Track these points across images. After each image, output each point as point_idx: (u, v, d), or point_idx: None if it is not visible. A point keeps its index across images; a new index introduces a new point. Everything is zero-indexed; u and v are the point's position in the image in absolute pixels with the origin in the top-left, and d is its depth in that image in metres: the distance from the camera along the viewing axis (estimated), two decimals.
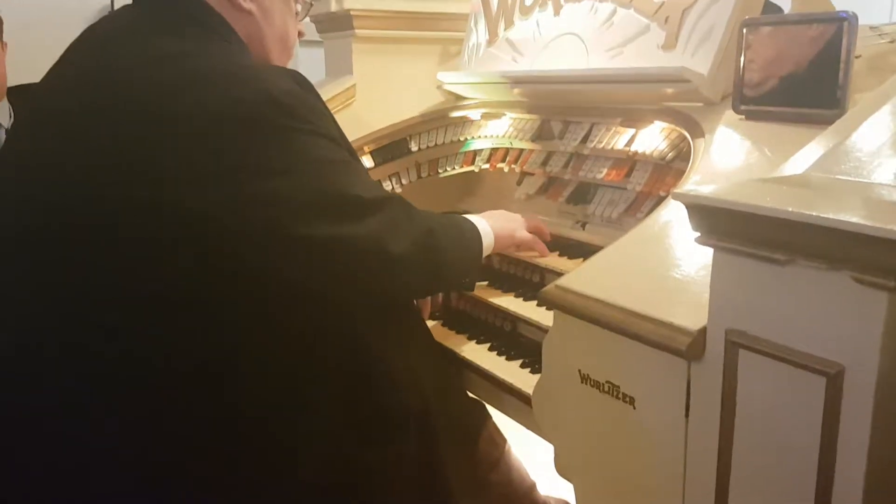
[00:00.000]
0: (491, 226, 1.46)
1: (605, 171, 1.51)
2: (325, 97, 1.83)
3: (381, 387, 1.28)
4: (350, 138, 1.78)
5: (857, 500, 0.72)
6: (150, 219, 1.07)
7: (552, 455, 1.12)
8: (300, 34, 1.45)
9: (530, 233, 1.54)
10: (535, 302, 1.47)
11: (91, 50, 1.24)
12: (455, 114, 1.86)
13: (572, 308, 1.01)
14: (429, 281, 1.38)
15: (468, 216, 1.47)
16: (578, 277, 1.04)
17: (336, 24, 1.91)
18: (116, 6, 2.87)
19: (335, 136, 1.23)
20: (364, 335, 1.26)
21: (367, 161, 1.85)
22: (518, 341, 1.46)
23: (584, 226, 1.62)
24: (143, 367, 1.10)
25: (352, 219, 1.16)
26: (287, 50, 1.42)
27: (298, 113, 1.13)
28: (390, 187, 1.89)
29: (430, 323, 1.60)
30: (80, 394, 1.10)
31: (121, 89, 1.12)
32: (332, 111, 1.86)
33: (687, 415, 0.88)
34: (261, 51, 1.35)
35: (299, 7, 1.41)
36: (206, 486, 1.14)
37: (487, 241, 1.45)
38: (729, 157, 1.18)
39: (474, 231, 1.44)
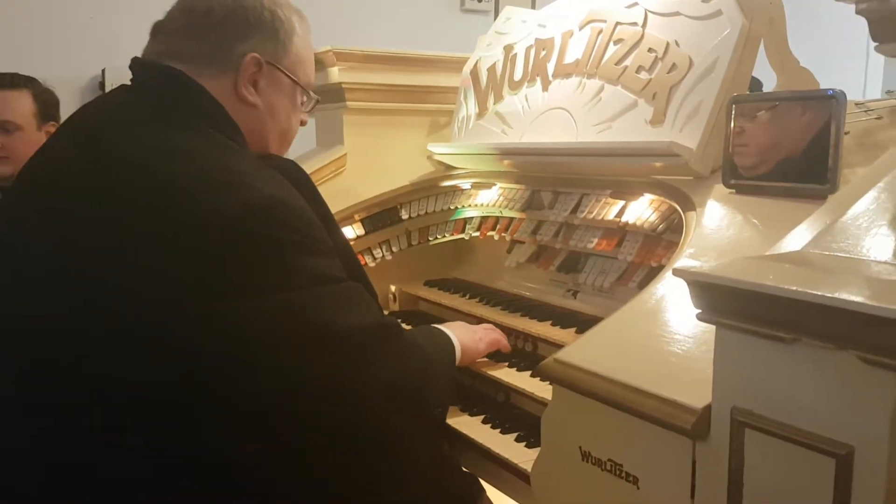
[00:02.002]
0: (458, 338, 1.44)
1: (595, 240, 1.52)
2: (315, 167, 1.87)
3: (378, 470, 1.22)
4: (340, 207, 1.80)
5: None
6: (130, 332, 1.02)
7: None
8: (303, 123, 1.45)
9: (490, 345, 1.50)
10: (528, 372, 1.46)
11: (86, 143, 1.20)
12: (445, 183, 1.88)
13: (573, 383, 0.99)
14: (410, 415, 1.24)
15: (441, 328, 1.45)
16: (578, 351, 1.03)
17: (328, 96, 1.94)
18: (108, 80, 2.89)
19: (329, 244, 1.16)
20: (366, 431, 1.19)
21: (358, 229, 1.85)
22: (512, 413, 1.44)
23: (575, 294, 1.62)
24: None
25: (333, 351, 1.08)
26: (287, 142, 1.42)
27: (289, 222, 1.08)
28: (380, 254, 1.89)
29: None
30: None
31: (119, 193, 1.09)
32: (323, 180, 1.89)
33: (693, 496, 0.86)
34: (261, 143, 1.33)
35: (303, 98, 1.39)
36: None
37: (458, 356, 1.43)
38: (721, 231, 1.20)
39: (451, 348, 1.41)
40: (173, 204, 1.07)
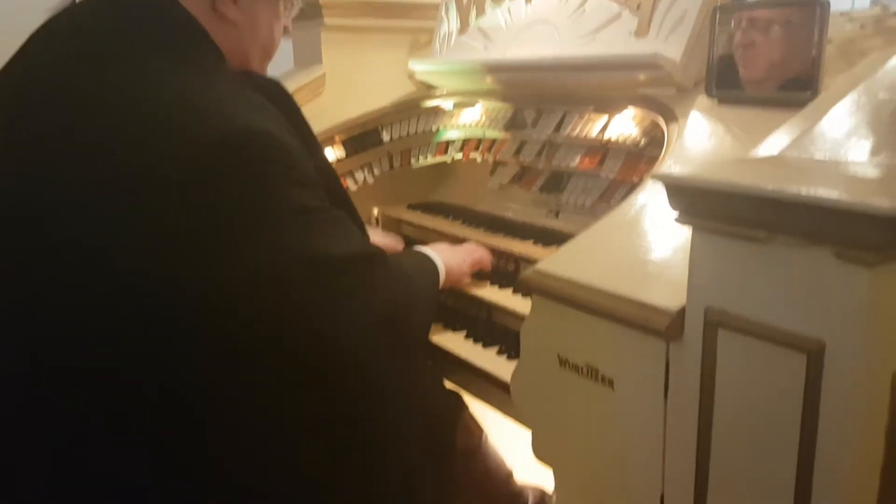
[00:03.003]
0: (443, 261, 1.43)
1: (578, 158, 1.50)
2: (293, 87, 1.82)
3: (357, 406, 1.23)
4: (320, 128, 1.76)
5: (840, 478, 0.72)
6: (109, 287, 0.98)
7: (530, 442, 1.12)
8: (286, 30, 1.39)
9: (473, 265, 1.51)
10: (510, 290, 1.47)
11: (53, 66, 1.11)
12: (427, 103, 1.84)
13: (551, 292, 1.00)
14: (395, 341, 1.24)
15: (425, 251, 1.44)
16: (556, 262, 1.03)
17: (305, 13, 1.88)
18: None
19: (309, 173, 1.12)
20: (344, 362, 1.19)
21: (339, 151, 1.82)
22: (494, 329, 1.46)
23: (557, 214, 1.62)
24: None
25: (327, 281, 1.07)
26: (269, 57, 1.36)
27: (268, 154, 1.04)
28: (362, 177, 1.87)
29: None
30: None
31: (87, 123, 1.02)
32: (301, 102, 1.84)
33: (666, 396, 0.88)
34: (242, 61, 1.27)
35: (286, 3, 1.34)
36: None
37: (441, 278, 1.42)
38: (702, 141, 1.19)
39: (435, 273, 1.41)
40: (150, 134, 1.03)
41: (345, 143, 1.83)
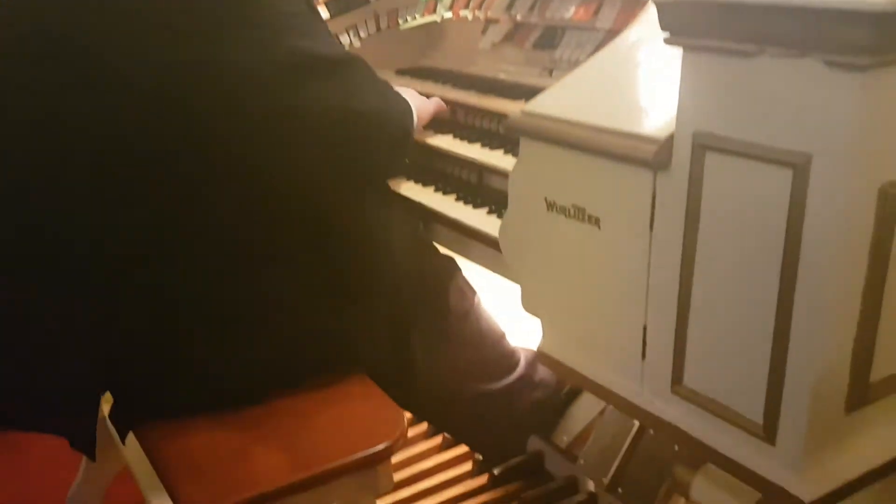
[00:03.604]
0: (414, 105, 1.43)
1: (572, 10, 1.44)
2: None
3: (347, 246, 1.26)
4: None
5: (823, 296, 0.72)
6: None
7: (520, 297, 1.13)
8: None
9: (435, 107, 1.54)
10: (501, 151, 1.44)
11: None
12: None
13: (538, 132, 0.98)
14: (390, 145, 1.34)
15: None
16: (544, 101, 1.01)
17: None
18: None
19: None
20: (333, 201, 1.23)
21: (323, 12, 1.75)
22: (485, 191, 1.45)
23: (551, 72, 1.57)
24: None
25: (320, 77, 1.14)
26: None
27: None
28: (348, 41, 1.80)
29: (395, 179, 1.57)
30: None
31: None
32: None
33: (651, 228, 0.87)
34: None
35: None
36: (177, 347, 1.14)
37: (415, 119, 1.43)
38: None
39: (410, 108, 1.41)
40: None
41: (328, 4, 1.75)
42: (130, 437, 1.18)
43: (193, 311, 1.14)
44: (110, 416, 1.20)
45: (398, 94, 1.39)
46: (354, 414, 1.17)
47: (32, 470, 1.89)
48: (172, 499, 1.01)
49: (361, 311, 1.30)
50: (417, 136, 1.49)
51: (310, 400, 1.18)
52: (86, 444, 1.16)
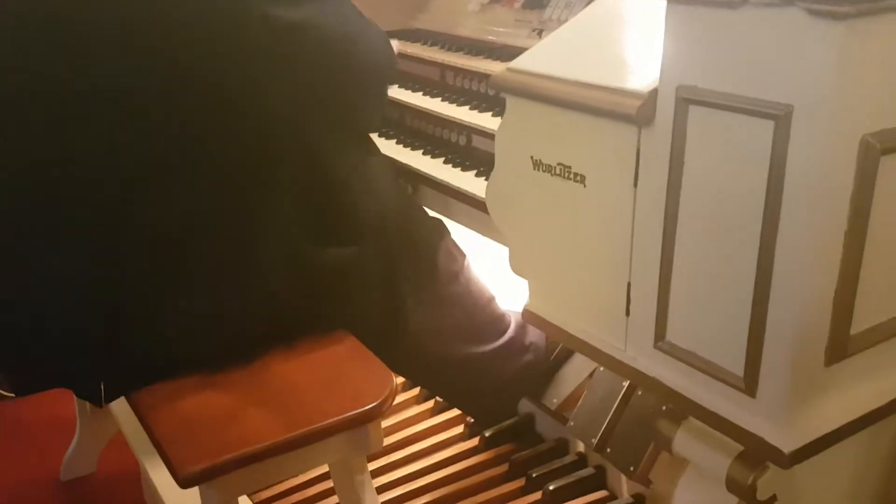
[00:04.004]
0: None
1: None
2: None
3: (338, 202, 1.28)
4: None
5: (804, 247, 0.72)
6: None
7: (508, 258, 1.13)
8: None
9: None
10: (489, 113, 1.44)
11: None
12: None
13: (523, 89, 0.97)
14: (376, 73, 1.36)
15: None
16: (529, 58, 1.00)
17: None
18: None
19: None
20: (322, 151, 1.24)
21: None
22: (473, 153, 1.44)
23: (540, 33, 1.56)
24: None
25: (310, 2, 1.17)
26: None
27: None
28: None
29: (384, 141, 1.56)
30: None
31: None
32: None
33: (636, 184, 0.87)
34: None
35: None
36: (169, 283, 1.15)
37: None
38: None
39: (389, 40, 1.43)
40: None
41: None
42: (122, 401, 1.19)
43: (187, 259, 1.15)
44: (103, 379, 1.21)
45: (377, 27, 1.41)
46: (344, 374, 1.18)
47: (27, 438, 1.91)
48: (163, 459, 1.02)
49: (351, 269, 1.31)
50: (407, 98, 1.48)
51: (299, 361, 1.19)
52: (90, 391, 1.18)
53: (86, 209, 1.14)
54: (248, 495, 1.53)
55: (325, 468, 1.52)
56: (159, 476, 1.40)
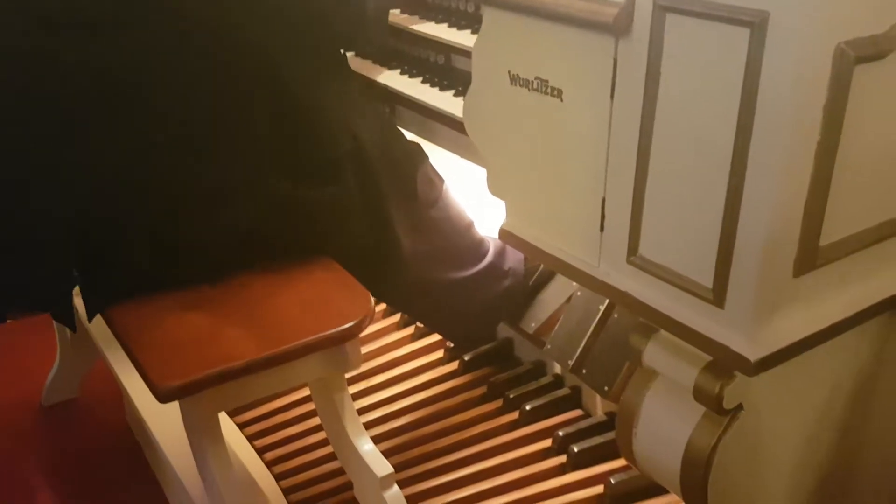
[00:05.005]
0: None
1: None
2: None
3: (311, 130, 1.26)
4: None
5: (777, 156, 0.72)
6: None
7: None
8: None
9: None
10: (468, 31, 1.41)
11: None
12: None
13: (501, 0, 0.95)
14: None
15: None
16: None
17: None
18: None
19: None
20: (291, 78, 1.21)
21: None
22: (452, 73, 1.42)
23: None
24: None
25: None
26: None
27: None
28: None
29: (360, 61, 1.53)
30: None
31: None
32: None
33: (612, 96, 0.86)
34: None
35: None
36: (149, 219, 1.14)
37: None
38: None
39: None
40: None
41: None
42: (103, 326, 1.19)
43: (164, 185, 1.15)
44: (82, 297, 1.21)
45: None
46: (323, 294, 1.18)
47: (8, 364, 1.91)
48: (141, 374, 1.03)
49: (333, 192, 1.30)
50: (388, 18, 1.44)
51: (279, 281, 1.20)
52: (65, 314, 1.18)
53: (58, 133, 1.12)
54: (231, 416, 1.56)
55: (307, 391, 1.54)
56: (141, 398, 1.42)
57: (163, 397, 0.97)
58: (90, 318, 1.17)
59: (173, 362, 1.01)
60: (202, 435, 1.06)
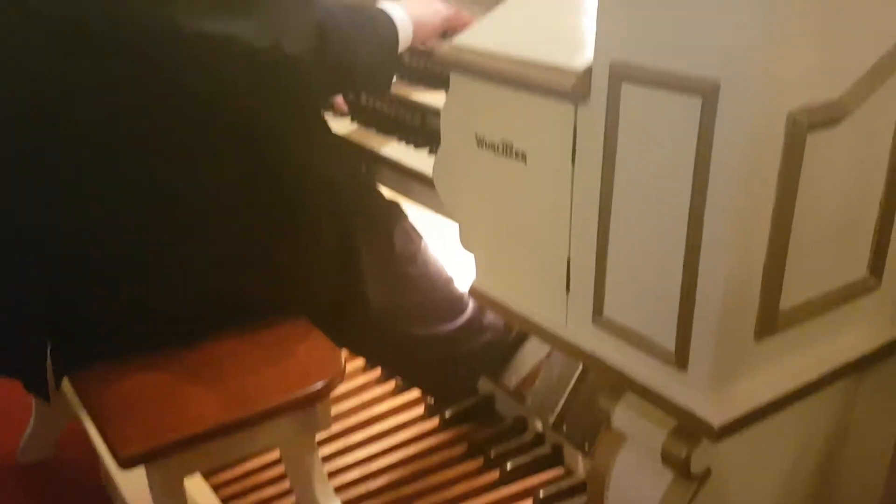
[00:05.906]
0: (409, 13, 1.37)
1: None
2: None
3: (289, 187, 1.27)
4: None
5: (731, 223, 0.73)
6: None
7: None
8: None
9: (449, 20, 1.44)
10: (444, 90, 1.42)
11: None
12: None
13: (466, 65, 0.97)
14: (333, 81, 1.32)
15: (383, 4, 1.38)
16: (472, 34, 0.99)
17: None
18: None
19: None
20: (267, 136, 1.22)
21: None
22: (426, 132, 1.44)
23: None
24: None
25: (242, 15, 1.11)
26: None
27: None
28: None
29: (338, 120, 1.55)
30: None
31: None
32: None
33: (573, 161, 0.87)
34: None
35: None
36: (118, 281, 1.14)
37: (405, 33, 1.37)
38: None
39: (389, 23, 1.35)
40: None
41: None
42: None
43: (135, 246, 1.14)
44: (50, 359, 1.20)
45: (364, 15, 1.33)
46: (291, 354, 1.18)
47: None
48: (103, 439, 1.01)
49: (307, 251, 1.30)
50: None
51: (246, 342, 1.19)
52: (38, 385, 1.17)
53: (33, 190, 1.13)
54: (206, 478, 1.53)
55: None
56: (112, 460, 1.39)
57: (124, 463, 0.96)
58: (57, 384, 1.16)
59: (135, 426, 1.00)
60: (167, 501, 1.04)
